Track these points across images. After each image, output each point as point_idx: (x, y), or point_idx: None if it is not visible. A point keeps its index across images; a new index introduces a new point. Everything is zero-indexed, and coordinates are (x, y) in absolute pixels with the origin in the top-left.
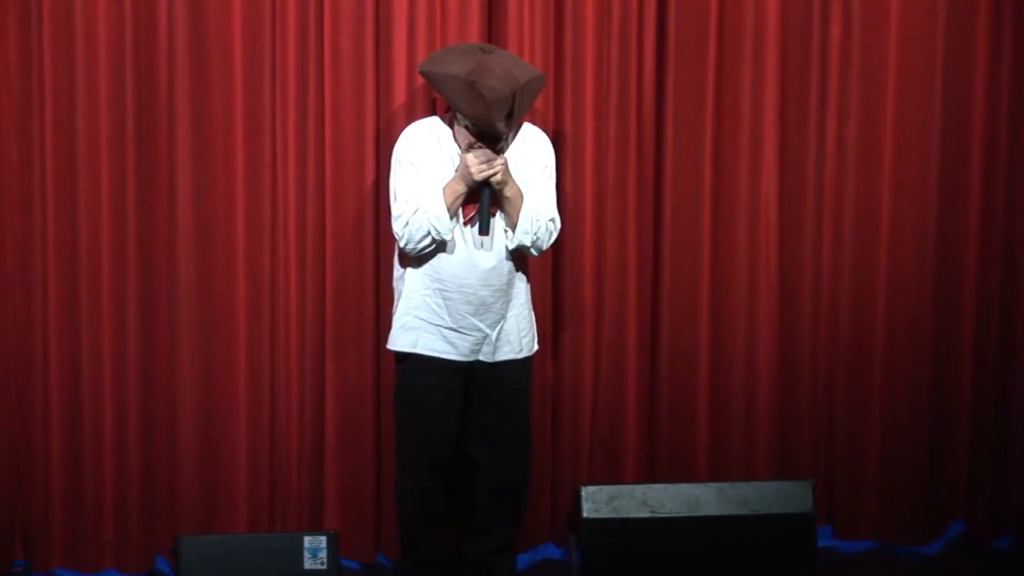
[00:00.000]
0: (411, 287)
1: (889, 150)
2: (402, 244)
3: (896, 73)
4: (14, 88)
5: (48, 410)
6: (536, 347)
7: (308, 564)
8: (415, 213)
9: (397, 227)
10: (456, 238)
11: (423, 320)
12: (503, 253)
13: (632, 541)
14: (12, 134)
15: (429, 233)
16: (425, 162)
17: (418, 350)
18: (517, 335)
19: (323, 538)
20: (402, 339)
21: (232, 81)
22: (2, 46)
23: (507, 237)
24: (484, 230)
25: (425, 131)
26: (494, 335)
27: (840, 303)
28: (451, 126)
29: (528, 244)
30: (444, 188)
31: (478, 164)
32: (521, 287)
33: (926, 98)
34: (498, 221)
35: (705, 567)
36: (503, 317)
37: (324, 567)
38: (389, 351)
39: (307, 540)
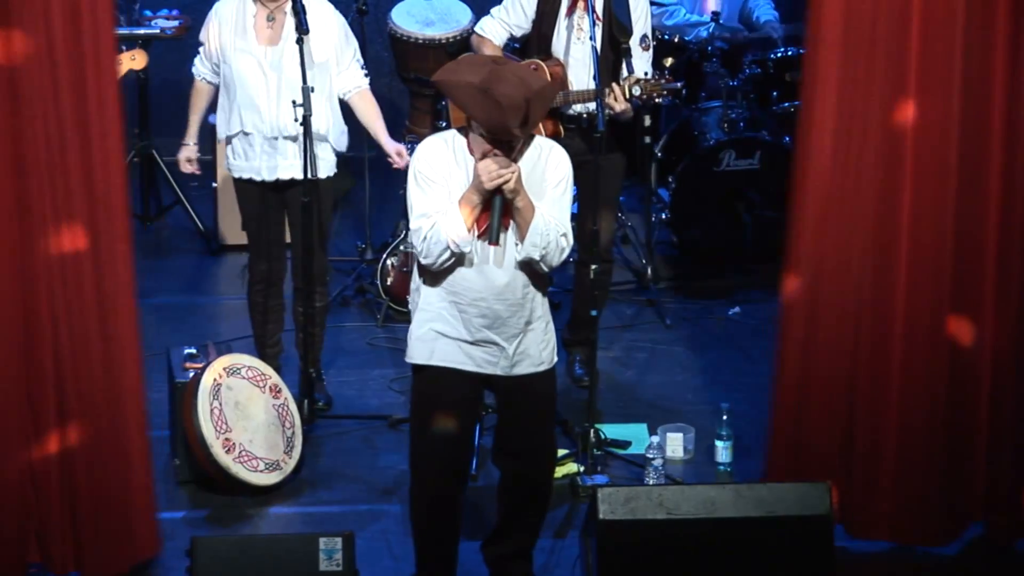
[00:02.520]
0: (427, 299)
1: (910, 150)
2: (422, 259)
3: (917, 71)
4: None
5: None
6: (555, 359)
7: (324, 566)
8: (433, 227)
9: (416, 241)
10: (474, 251)
11: (439, 333)
12: (517, 267)
13: (648, 543)
14: None
15: (448, 247)
16: (441, 175)
17: (434, 361)
18: (537, 348)
19: (339, 540)
20: (419, 351)
21: None
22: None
23: (516, 249)
24: (494, 240)
25: (441, 145)
26: (511, 348)
27: (861, 304)
28: (466, 137)
29: (537, 257)
30: (460, 200)
31: (489, 173)
32: (538, 300)
33: (944, 95)
34: (511, 234)
35: (721, 569)
36: (521, 332)
37: (339, 568)
38: None
39: (323, 542)
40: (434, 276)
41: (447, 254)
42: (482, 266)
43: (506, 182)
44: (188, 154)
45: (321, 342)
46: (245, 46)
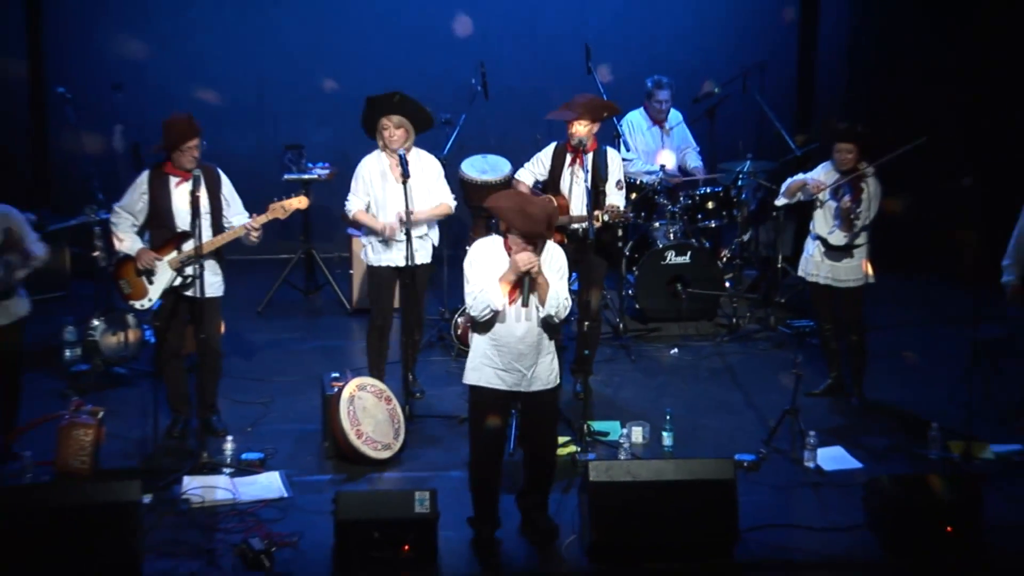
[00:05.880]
0: (477, 343)
1: None
2: (471, 313)
3: None
4: None
5: None
6: (559, 380)
7: (418, 509)
8: (480, 293)
9: (468, 302)
10: (506, 311)
11: (485, 364)
12: (535, 321)
13: (622, 496)
14: None
15: (488, 306)
16: (486, 262)
17: (480, 383)
18: (546, 374)
19: (427, 493)
20: (471, 376)
21: None
22: None
23: (539, 311)
24: (525, 304)
25: (487, 245)
26: (529, 374)
27: None
28: (505, 240)
29: (552, 314)
30: (500, 278)
31: (526, 261)
32: (547, 343)
33: None
34: (532, 300)
35: (666, 511)
36: (535, 362)
37: (427, 511)
38: None
39: (417, 494)
40: (482, 328)
41: (488, 311)
42: (512, 322)
43: (533, 267)
44: (393, 225)
45: (415, 359)
46: (385, 184)
